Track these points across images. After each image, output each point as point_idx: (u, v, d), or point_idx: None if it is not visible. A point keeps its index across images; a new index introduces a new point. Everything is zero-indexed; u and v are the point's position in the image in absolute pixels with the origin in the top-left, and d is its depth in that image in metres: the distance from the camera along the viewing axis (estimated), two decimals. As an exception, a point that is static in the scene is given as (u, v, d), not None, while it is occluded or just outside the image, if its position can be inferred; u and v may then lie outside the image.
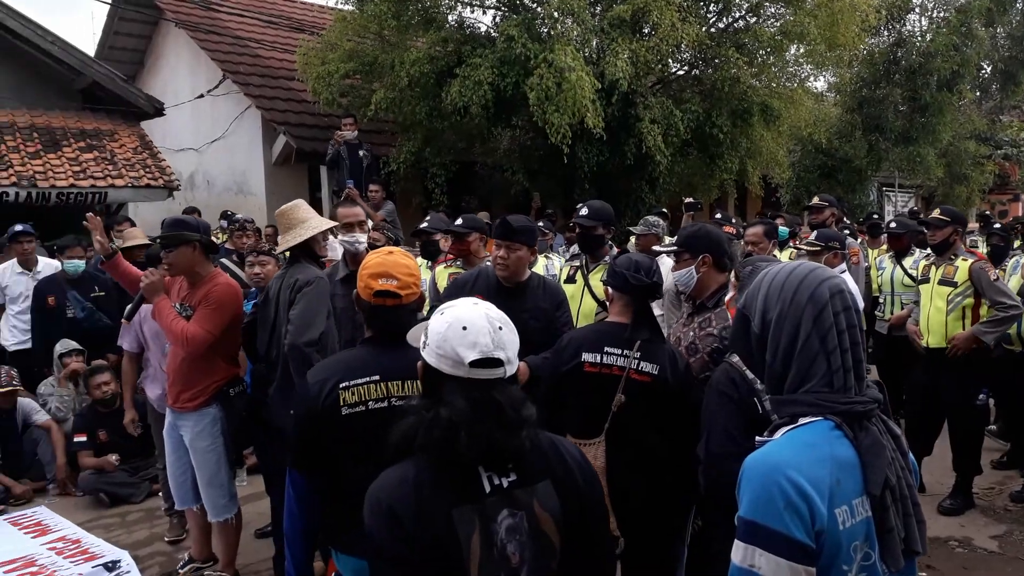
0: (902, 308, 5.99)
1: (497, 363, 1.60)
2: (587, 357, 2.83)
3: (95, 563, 4.20)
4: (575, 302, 4.11)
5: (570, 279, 4.34)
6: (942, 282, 4.93)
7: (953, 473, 5.07)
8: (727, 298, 3.05)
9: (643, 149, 9.16)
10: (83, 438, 5.61)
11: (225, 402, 3.89)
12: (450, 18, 10.09)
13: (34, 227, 6.65)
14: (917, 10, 15.40)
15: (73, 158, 9.30)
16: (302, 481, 2.28)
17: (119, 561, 4.22)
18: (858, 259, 6.53)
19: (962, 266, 4.84)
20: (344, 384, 2.19)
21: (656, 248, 4.51)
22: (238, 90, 11.40)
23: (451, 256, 4.91)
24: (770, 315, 1.49)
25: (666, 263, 3.50)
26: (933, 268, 5.04)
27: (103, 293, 6.28)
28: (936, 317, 4.93)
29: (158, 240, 3.99)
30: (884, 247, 7.13)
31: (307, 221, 3.81)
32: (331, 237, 4.35)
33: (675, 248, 3.09)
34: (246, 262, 4.95)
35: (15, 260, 6.45)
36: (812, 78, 13.02)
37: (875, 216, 9.60)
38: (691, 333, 2.99)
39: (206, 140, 12.45)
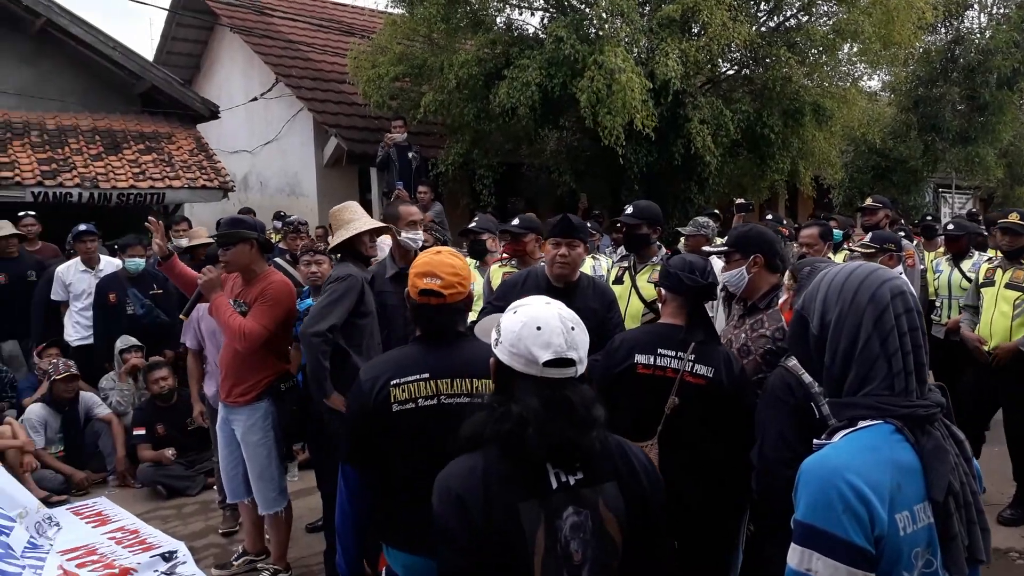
0: (960, 312, 5.83)
1: (570, 363, 1.62)
2: (640, 359, 2.79)
3: (153, 553, 4.33)
4: (622, 302, 4.08)
5: (618, 280, 4.31)
6: (1009, 286, 4.79)
7: (1014, 483, 4.92)
8: (780, 301, 3.00)
9: (692, 150, 9.07)
10: (142, 431, 5.79)
11: (276, 397, 3.96)
12: (498, 20, 10.16)
13: (96, 227, 6.86)
14: (976, 6, 14.97)
15: (133, 160, 9.56)
16: (354, 476, 2.32)
17: (175, 551, 4.35)
18: (913, 261, 6.34)
19: None
20: (395, 381, 2.22)
21: (706, 249, 4.46)
22: (290, 93, 11.61)
23: (506, 255, 4.94)
24: (829, 316, 1.46)
25: (715, 265, 3.46)
26: (999, 271, 4.90)
27: (161, 291, 6.44)
28: (1001, 321, 4.79)
29: (215, 238, 4.10)
30: (940, 250, 6.94)
31: (352, 222, 3.91)
32: (379, 237, 4.41)
33: (726, 249, 3.05)
34: (301, 261, 5.06)
35: (79, 259, 6.65)
36: (866, 77, 12.75)
37: (929, 218, 9.35)
38: (743, 335, 2.95)
39: (259, 142, 12.71)
